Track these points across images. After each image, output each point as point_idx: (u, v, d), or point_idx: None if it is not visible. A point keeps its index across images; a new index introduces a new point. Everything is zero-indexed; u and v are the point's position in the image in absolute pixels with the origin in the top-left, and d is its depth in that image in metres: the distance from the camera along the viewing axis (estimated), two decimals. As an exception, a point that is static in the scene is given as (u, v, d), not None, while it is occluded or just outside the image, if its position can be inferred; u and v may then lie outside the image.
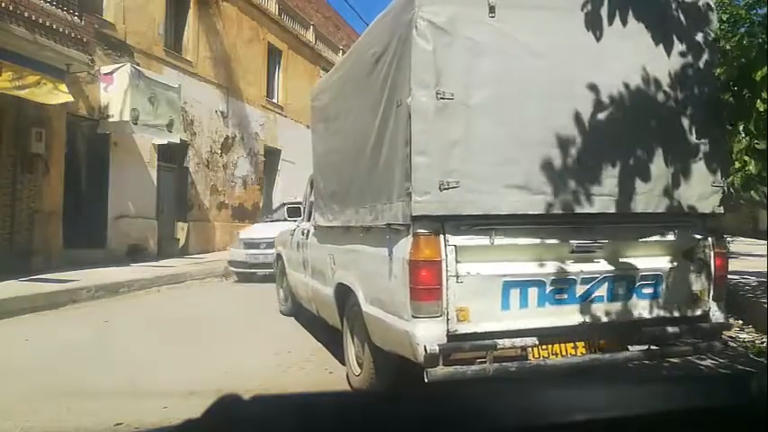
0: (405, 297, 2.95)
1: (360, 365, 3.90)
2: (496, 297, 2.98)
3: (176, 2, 13.98)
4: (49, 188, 10.04)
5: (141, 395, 3.74)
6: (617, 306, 3.20)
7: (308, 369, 4.57)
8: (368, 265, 3.61)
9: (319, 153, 5.06)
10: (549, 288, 3.07)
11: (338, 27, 25.48)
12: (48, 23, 9.18)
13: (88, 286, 8.16)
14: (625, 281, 3.21)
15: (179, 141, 12.73)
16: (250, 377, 4.24)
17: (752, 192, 3.22)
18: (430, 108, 2.91)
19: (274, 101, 18.42)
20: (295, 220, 7.10)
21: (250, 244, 10.27)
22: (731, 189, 3.29)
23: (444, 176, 2.91)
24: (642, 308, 3.24)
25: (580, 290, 3.12)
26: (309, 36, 20.79)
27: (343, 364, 4.32)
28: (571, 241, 3.12)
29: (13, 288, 7.63)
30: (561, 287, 3.09)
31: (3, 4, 8.40)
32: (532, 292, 3.04)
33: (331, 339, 5.05)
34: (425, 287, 2.90)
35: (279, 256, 7.13)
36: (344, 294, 4.02)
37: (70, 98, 9.44)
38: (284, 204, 12.02)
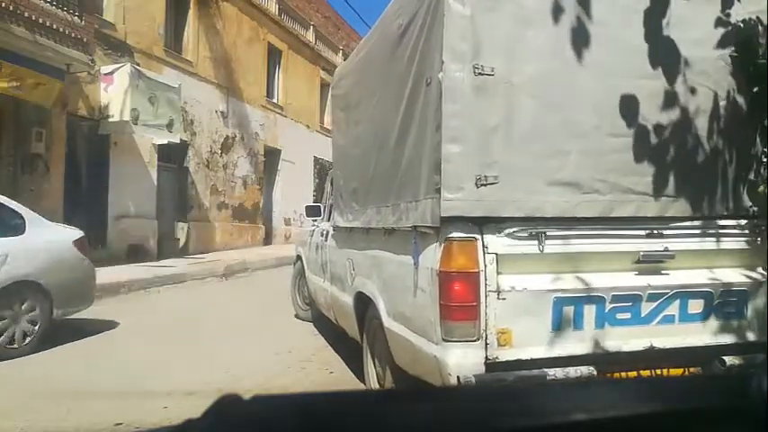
0: (434, 316, 2.49)
1: (381, 388, 3.47)
2: (546, 317, 2.49)
3: (176, 2, 13.95)
4: (49, 188, 10.02)
5: (141, 395, 3.74)
6: (691, 328, 2.68)
7: (308, 369, 4.56)
8: (390, 274, 3.14)
9: (340, 145, 4.61)
10: (609, 306, 2.56)
11: (338, 27, 25.48)
12: (48, 23, 9.17)
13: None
14: (701, 298, 2.69)
15: (179, 141, 12.71)
16: (250, 377, 4.24)
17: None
18: (465, 85, 2.43)
19: (274, 101, 18.41)
20: None
21: None
22: None
23: (482, 169, 2.44)
24: (722, 331, 2.72)
25: (646, 308, 2.61)
26: (309, 36, 20.79)
27: (345, 363, 4.32)
28: (637, 249, 2.62)
29: (13, 288, 7.62)
30: (624, 305, 2.59)
31: (3, 4, 8.39)
32: (589, 311, 2.54)
33: (332, 339, 5.05)
34: (459, 304, 2.43)
35: (299, 258, 6.57)
36: (364, 305, 3.58)
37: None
38: None
